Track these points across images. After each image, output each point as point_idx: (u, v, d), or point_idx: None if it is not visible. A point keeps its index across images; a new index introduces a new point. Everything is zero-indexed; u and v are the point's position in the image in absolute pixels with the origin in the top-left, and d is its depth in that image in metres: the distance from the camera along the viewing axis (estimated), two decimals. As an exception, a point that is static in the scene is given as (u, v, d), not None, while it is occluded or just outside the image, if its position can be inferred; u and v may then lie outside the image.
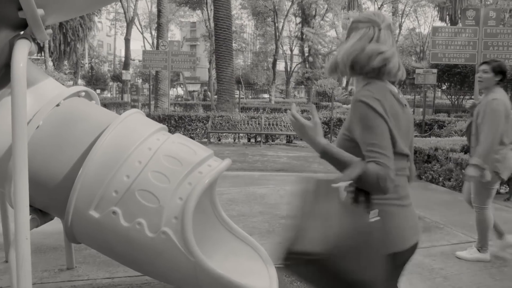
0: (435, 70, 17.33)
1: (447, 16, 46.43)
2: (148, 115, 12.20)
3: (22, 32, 2.17)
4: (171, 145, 2.60)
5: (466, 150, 6.97)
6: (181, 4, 33.56)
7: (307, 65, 35.65)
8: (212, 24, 30.33)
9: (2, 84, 2.45)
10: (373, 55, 1.62)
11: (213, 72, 31.27)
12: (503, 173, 3.70)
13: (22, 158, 1.92)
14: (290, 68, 39.23)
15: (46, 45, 26.02)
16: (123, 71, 30.27)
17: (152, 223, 2.36)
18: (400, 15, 41.77)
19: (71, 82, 32.98)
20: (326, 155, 1.57)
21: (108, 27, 49.24)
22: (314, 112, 1.61)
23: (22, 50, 1.92)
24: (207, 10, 31.37)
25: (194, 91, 40.88)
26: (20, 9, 1.89)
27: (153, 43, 42.26)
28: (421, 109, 16.16)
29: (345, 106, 21.78)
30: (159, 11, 22.61)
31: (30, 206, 2.72)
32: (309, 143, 1.62)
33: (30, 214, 2.77)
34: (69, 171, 2.49)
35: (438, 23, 49.84)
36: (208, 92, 31.80)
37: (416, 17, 44.64)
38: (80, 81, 37.18)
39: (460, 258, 3.86)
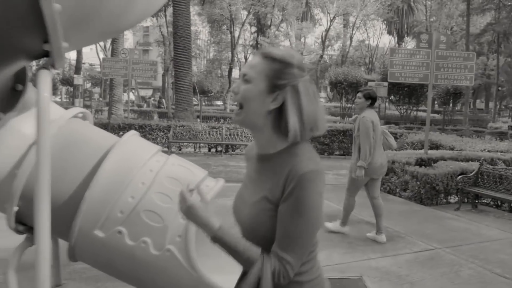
0: (386, 84, 18.29)
1: (395, 30, 48.82)
2: (108, 124, 12.05)
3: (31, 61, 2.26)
4: (171, 167, 2.75)
5: (420, 163, 7.50)
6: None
7: (262, 74, 36.09)
8: (167, 30, 30.18)
9: (8, 107, 2.51)
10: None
11: (170, 79, 31.05)
12: (371, 173, 4.86)
13: (44, 185, 2.02)
14: (245, 76, 39.52)
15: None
16: (75, 76, 29.42)
17: (157, 242, 2.50)
18: (351, 28, 43.36)
19: (18, 86, 31.51)
20: (218, 240, 1.28)
21: (57, 29, 47.45)
22: (214, 189, 1.38)
23: (46, 80, 2.03)
24: (164, 16, 31.15)
25: (150, 97, 40.21)
26: (45, 41, 2.00)
27: (105, 46, 41.33)
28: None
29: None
30: (114, 16, 22.29)
31: (25, 224, 2.79)
32: (199, 225, 1.30)
33: (25, 233, 2.83)
34: (73, 192, 2.58)
35: (386, 36, 52.05)
36: (163, 99, 31.49)
37: (366, 29, 46.48)
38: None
39: (330, 229, 5.07)
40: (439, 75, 7.65)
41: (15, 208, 2.56)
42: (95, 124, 3.20)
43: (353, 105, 22.92)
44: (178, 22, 17.14)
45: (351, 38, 44.14)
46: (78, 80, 28.24)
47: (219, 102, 40.43)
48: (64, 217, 2.60)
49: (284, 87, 1.30)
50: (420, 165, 7.27)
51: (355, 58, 48.04)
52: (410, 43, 48.92)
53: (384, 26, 49.39)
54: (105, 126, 11.19)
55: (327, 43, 40.21)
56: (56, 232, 2.86)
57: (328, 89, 53.01)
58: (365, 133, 4.69)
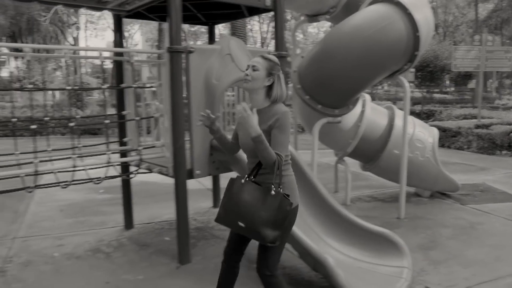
0: (413, 69, 21.21)
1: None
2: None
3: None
4: (417, 120, 5.79)
5: (478, 127, 10.56)
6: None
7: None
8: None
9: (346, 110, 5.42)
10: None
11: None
12: None
13: (405, 136, 5.04)
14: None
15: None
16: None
17: (421, 153, 5.52)
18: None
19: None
20: (258, 140, 2.15)
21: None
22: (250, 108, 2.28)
23: (405, 80, 5.03)
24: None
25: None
26: (405, 64, 4.97)
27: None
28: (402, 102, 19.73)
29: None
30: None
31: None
32: (249, 127, 2.15)
33: (340, 162, 5.82)
34: (379, 136, 5.57)
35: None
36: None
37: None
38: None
39: None
40: (487, 64, 10.73)
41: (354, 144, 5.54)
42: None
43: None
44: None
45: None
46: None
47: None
48: (372, 149, 5.60)
49: (274, 75, 2.37)
50: (478, 128, 10.35)
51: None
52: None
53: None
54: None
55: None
56: (363, 156, 5.86)
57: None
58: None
